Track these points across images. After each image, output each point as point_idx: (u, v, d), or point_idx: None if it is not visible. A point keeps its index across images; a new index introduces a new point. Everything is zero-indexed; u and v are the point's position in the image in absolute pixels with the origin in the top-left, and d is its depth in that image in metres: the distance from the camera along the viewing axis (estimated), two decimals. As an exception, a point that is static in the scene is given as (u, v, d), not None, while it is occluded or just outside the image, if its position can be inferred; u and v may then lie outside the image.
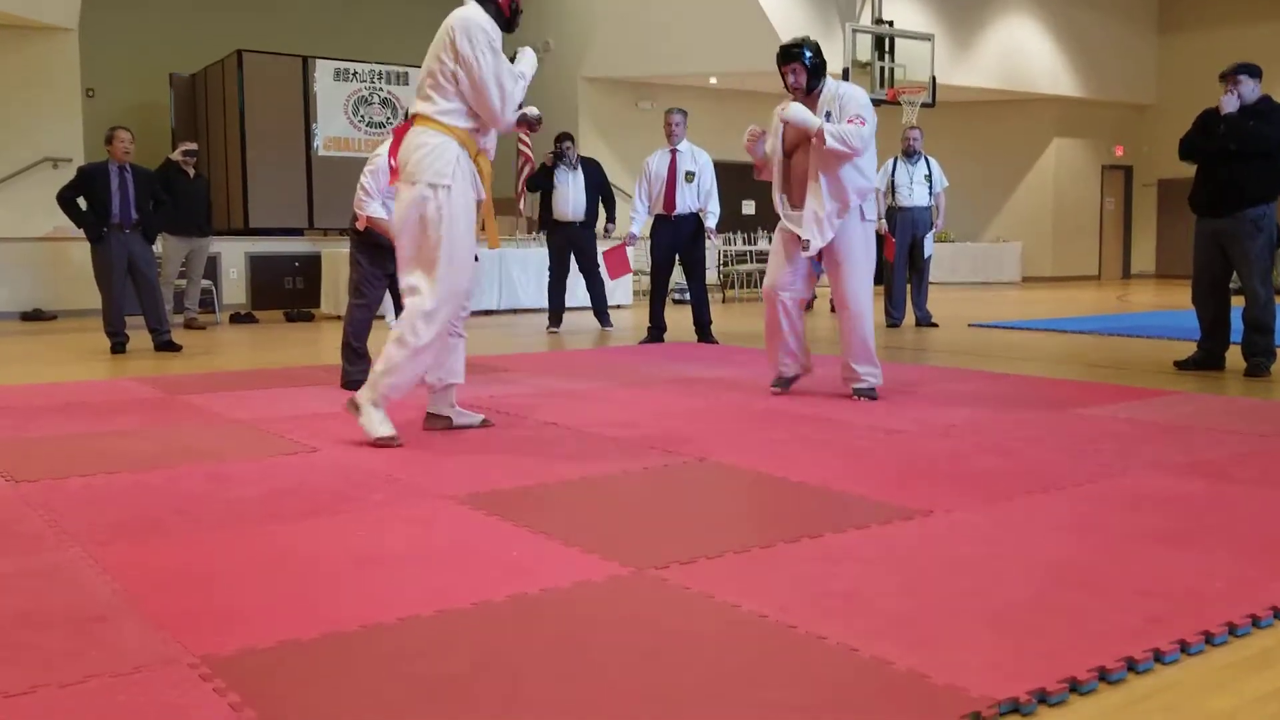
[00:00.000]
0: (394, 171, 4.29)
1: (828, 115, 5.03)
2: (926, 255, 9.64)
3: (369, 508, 3.18)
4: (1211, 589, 2.38)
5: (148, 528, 2.98)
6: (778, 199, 5.24)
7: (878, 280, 6.02)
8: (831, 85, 5.14)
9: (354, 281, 5.79)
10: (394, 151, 4.23)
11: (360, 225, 5.62)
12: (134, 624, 2.20)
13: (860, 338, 5.17)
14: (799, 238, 5.11)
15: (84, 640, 2.11)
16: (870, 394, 5.16)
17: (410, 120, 4.16)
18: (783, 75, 5.13)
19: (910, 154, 9.64)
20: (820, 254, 5.11)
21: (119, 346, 7.84)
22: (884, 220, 9.47)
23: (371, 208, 5.56)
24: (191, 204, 9.91)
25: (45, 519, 3.07)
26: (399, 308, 10.08)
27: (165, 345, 7.93)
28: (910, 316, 9.68)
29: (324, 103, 13.01)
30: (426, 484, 3.47)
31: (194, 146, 10.34)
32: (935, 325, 9.48)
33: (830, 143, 4.87)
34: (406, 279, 4.14)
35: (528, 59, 4.33)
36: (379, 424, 4.10)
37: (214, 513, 3.14)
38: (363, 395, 4.12)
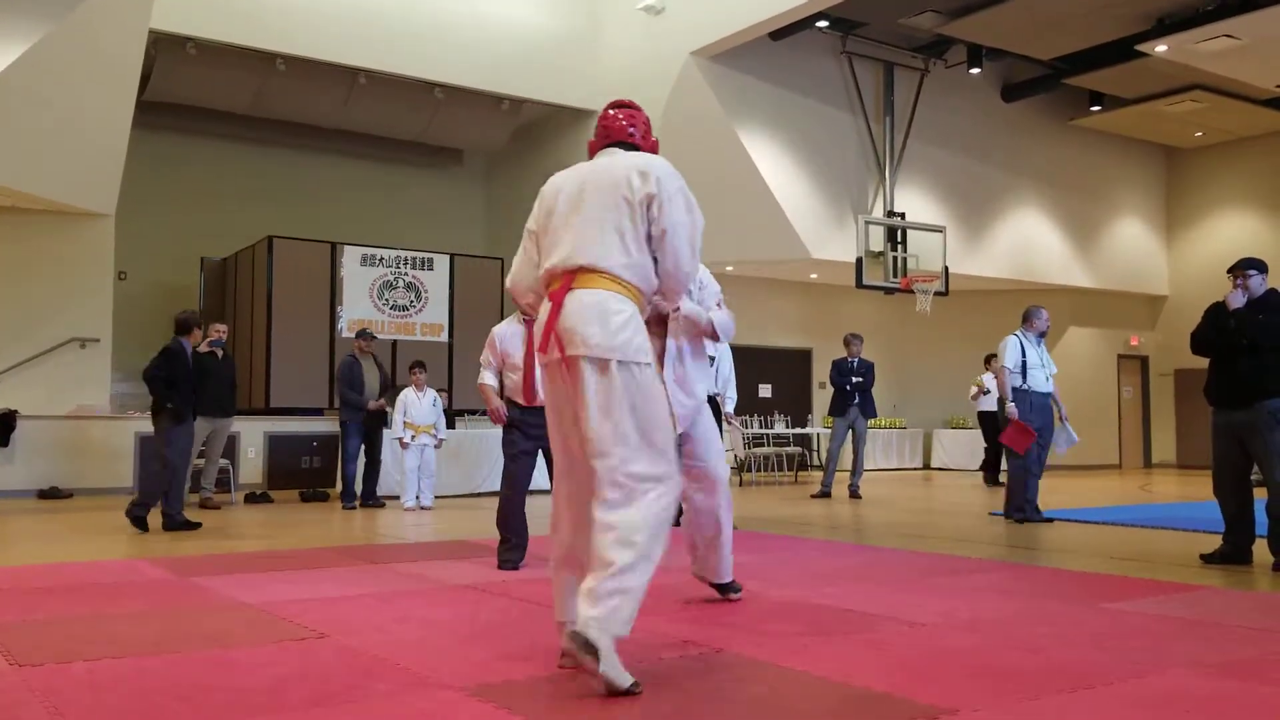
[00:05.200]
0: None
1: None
2: (1062, 450, 9.00)
3: (374, 698, 3.09)
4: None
5: (149, 716, 2.89)
6: None
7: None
8: None
9: None
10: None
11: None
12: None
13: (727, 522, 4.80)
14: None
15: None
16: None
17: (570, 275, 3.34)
18: None
19: (1042, 334, 8.95)
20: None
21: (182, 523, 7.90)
22: (1013, 404, 8.64)
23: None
24: (218, 385, 10.03)
25: (46, 705, 2.99)
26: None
27: (175, 525, 7.90)
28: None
29: (350, 286, 13.34)
30: (436, 673, 3.38)
31: (221, 336, 10.23)
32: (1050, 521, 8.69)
33: (724, 338, 4.69)
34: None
35: None
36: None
37: (216, 701, 3.05)
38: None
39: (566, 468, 3.45)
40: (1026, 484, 8.63)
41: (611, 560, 3.09)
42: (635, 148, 3.60)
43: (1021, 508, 8.66)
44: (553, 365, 3.34)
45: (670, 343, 4.46)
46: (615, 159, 3.49)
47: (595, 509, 3.19)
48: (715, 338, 4.65)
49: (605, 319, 3.22)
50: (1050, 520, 8.68)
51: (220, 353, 10.22)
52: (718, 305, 4.76)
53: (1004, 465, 11.07)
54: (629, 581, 3.09)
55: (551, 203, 3.48)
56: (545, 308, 3.36)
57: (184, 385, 8.00)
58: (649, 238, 3.35)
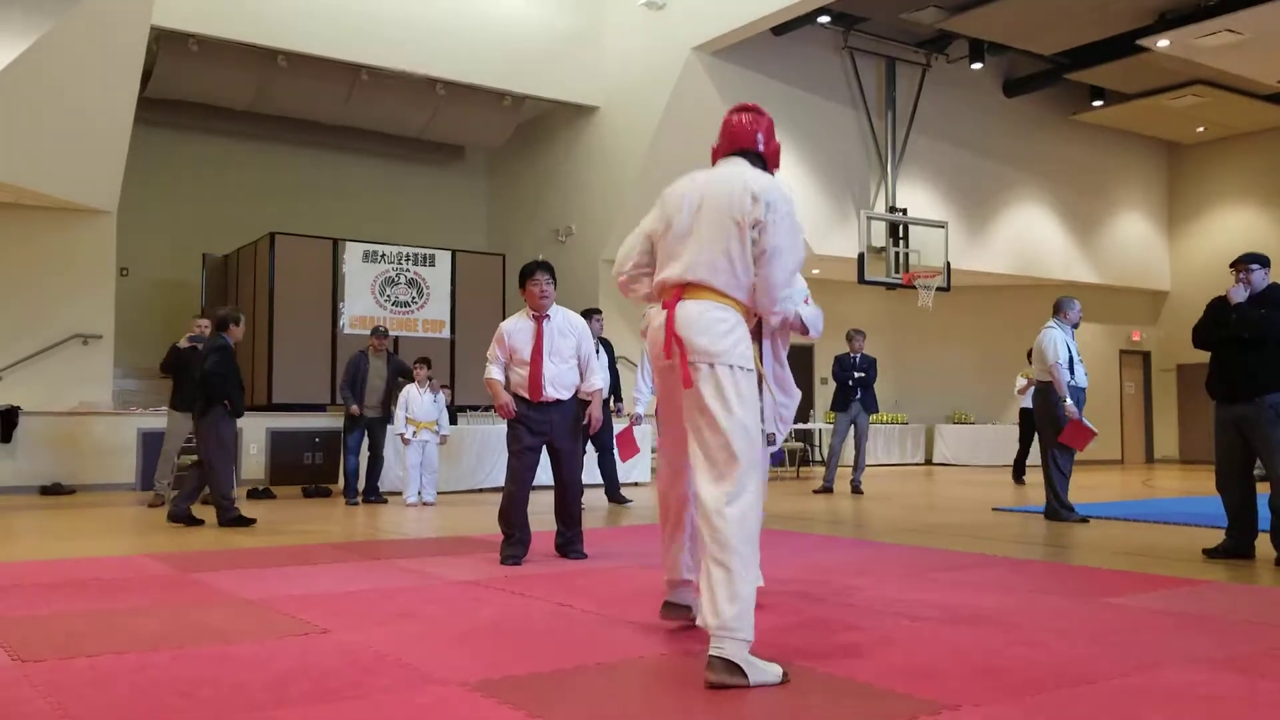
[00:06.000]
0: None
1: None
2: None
3: (376, 694, 3.09)
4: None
5: (151, 711, 2.89)
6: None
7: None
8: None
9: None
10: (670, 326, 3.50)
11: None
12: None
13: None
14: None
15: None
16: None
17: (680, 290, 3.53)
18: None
19: (1075, 325, 8.49)
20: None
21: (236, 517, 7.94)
22: (1071, 401, 8.14)
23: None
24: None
25: (49, 700, 2.99)
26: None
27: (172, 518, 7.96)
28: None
29: (351, 283, 13.34)
30: (438, 669, 3.38)
31: (202, 332, 9.92)
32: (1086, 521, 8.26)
33: (814, 333, 4.73)
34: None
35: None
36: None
37: (218, 697, 3.05)
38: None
39: (671, 447, 3.80)
40: (1059, 485, 8.23)
41: (724, 568, 3.35)
42: (760, 155, 3.75)
43: (1066, 507, 8.22)
44: (671, 368, 3.56)
45: (766, 344, 4.50)
46: (734, 173, 3.59)
47: (705, 502, 3.44)
48: (805, 332, 4.73)
49: (710, 326, 3.44)
50: (1086, 519, 8.21)
51: (200, 347, 10.16)
52: (805, 302, 4.79)
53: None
54: (742, 589, 3.32)
55: (673, 212, 3.63)
56: (660, 316, 3.58)
57: (234, 381, 8.08)
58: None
